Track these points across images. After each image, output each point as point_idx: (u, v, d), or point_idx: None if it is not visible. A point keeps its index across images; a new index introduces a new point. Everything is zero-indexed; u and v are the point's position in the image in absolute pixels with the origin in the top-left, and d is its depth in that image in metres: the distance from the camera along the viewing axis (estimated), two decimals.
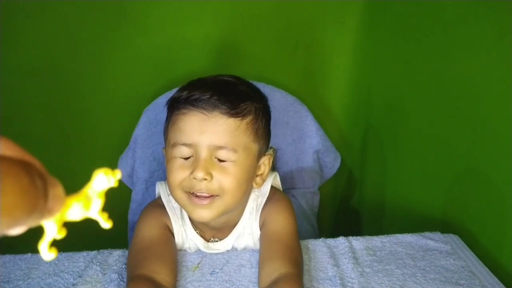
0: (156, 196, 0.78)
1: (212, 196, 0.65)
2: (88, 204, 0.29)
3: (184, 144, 0.65)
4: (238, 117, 0.66)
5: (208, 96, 0.64)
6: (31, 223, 0.24)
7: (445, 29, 0.86)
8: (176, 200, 0.69)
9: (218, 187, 0.65)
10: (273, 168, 1.03)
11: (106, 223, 0.29)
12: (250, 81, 1.06)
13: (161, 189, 0.76)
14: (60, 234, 0.27)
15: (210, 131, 0.64)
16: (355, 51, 1.19)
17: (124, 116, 1.12)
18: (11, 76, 1.09)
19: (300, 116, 1.05)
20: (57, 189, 0.26)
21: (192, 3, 1.07)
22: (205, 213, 0.66)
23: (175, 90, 0.73)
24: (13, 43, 1.06)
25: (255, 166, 0.70)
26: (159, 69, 1.10)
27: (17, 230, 0.24)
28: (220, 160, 0.65)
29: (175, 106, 0.67)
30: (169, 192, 0.74)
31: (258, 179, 0.72)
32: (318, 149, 1.05)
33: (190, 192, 0.66)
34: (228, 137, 0.65)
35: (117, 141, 1.08)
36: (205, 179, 0.64)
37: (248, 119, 0.67)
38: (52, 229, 0.28)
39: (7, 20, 1.03)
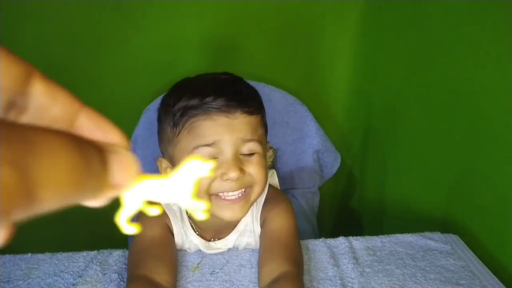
0: None
1: (244, 190, 0.65)
2: (175, 186, 0.23)
3: (208, 145, 0.63)
4: (256, 114, 0.68)
5: (226, 98, 0.64)
6: (93, 199, 0.20)
7: (445, 29, 0.86)
8: None
9: (250, 179, 0.65)
10: (273, 168, 1.03)
11: (201, 212, 0.24)
12: (250, 81, 1.07)
13: None
14: (141, 208, 0.23)
15: (235, 129, 0.64)
16: (355, 51, 1.19)
17: (124, 116, 1.12)
18: None
19: (300, 116, 1.05)
20: (124, 159, 0.21)
21: (192, 3, 1.07)
22: (238, 212, 0.66)
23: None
24: (13, 43, 1.06)
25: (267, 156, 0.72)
26: (159, 69, 1.10)
27: (90, 203, 0.21)
28: (245, 155, 0.65)
29: (188, 114, 0.65)
30: None
31: None
32: (318, 149, 1.05)
33: (215, 194, 0.65)
34: (251, 131, 0.66)
35: None
36: (238, 178, 0.63)
37: (261, 113, 0.70)
38: (132, 202, 0.24)
39: (7, 20, 1.03)
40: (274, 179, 0.80)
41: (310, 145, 1.05)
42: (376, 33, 1.14)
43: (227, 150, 0.63)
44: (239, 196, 0.65)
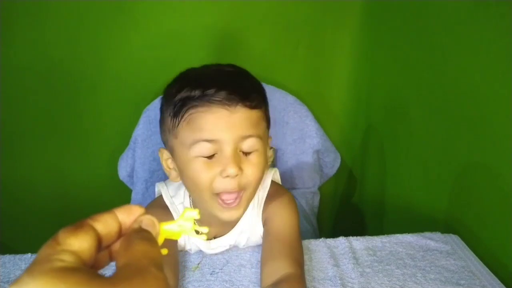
0: (156, 196, 0.78)
1: (239, 192, 0.65)
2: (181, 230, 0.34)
3: (207, 141, 0.62)
4: (258, 108, 0.66)
5: (227, 91, 0.63)
6: None
7: (445, 29, 0.86)
8: (204, 203, 0.67)
9: (246, 182, 0.65)
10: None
11: (204, 234, 0.36)
12: None
13: (162, 190, 0.75)
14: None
15: (234, 125, 0.63)
16: (355, 51, 1.19)
17: (124, 116, 1.12)
18: (11, 76, 1.09)
19: (300, 116, 1.05)
20: (150, 222, 0.31)
21: (193, 3, 1.07)
22: (235, 213, 0.66)
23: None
24: (13, 43, 1.06)
25: (267, 150, 0.71)
26: (159, 69, 1.10)
27: None
28: (244, 153, 0.65)
29: (188, 104, 0.64)
30: (171, 194, 0.74)
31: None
32: (318, 149, 1.05)
33: (216, 194, 0.65)
34: (252, 127, 0.65)
35: (117, 141, 1.08)
36: (237, 175, 0.63)
37: (263, 107, 0.69)
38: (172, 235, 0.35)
39: (7, 20, 1.03)
40: (277, 176, 0.80)
41: (310, 145, 1.05)
42: (376, 33, 1.14)
43: (227, 147, 0.63)
44: (234, 200, 0.65)
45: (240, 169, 0.63)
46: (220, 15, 1.10)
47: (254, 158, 0.65)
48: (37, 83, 1.11)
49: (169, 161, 0.70)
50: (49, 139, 1.18)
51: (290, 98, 1.05)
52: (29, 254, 0.73)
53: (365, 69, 1.19)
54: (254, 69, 1.15)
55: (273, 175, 0.77)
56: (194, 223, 0.33)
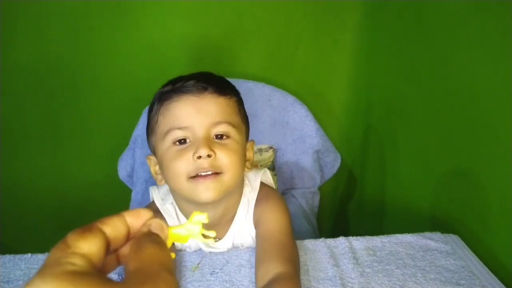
0: (151, 200, 0.78)
1: (216, 173, 0.66)
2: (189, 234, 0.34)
3: (180, 128, 0.66)
4: (227, 95, 0.69)
5: (195, 81, 0.67)
6: None
7: (445, 29, 0.86)
8: (181, 190, 0.68)
9: (221, 164, 0.66)
10: (273, 168, 1.03)
11: (212, 235, 0.35)
12: (250, 81, 1.07)
13: (154, 193, 0.76)
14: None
15: (204, 111, 0.66)
16: (355, 51, 1.19)
17: (124, 116, 1.12)
18: (11, 76, 1.09)
19: (300, 116, 1.05)
20: (158, 225, 0.31)
21: (193, 3, 1.07)
22: (210, 193, 0.66)
23: None
24: (13, 43, 1.06)
25: (245, 148, 0.72)
26: (159, 69, 1.10)
27: None
28: (218, 137, 0.67)
29: (163, 98, 0.69)
30: (162, 196, 0.75)
31: (247, 163, 0.73)
32: (318, 149, 1.05)
33: (194, 176, 0.65)
34: (223, 114, 0.67)
35: (117, 141, 1.08)
36: (209, 156, 0.64)
37: (234, 99, 0.71)
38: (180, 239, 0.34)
39: (7, 20, 1.03)
40: (267, 177, 0.80)
41: (310, 145, 1.05)
42: (376, 33, 1.14)
43: (198, 132, 0.65)
44: (211, 174, 0.65)
45: (212, 151, 0.64)
46: (221, 15, 1.10)
47: (228, 143, 0.67)
48: (37, 83, 1.11)
49: (157, 167, 0.72)
50: (49, 139, 1.18)
51: (290, 98, 1.05)
52: (29, 254, 0.73)
53: (365, 69, 1.19)
54: (254, 69, 1.15)
55: (262, 176, 0.77)
56: (202, 227, 0.34)
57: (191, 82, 0.67)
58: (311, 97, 1.16)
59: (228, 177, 0.66)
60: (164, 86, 0.71)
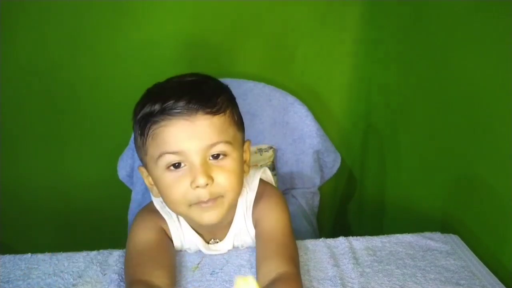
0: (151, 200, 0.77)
1: (214, 200, 0.64)
2: None
3: (173, 153, 0.62)
4: (221, 113, 0.64)
5: (186, 101, 0.62)
6: None
7: (445, 29, 0.86)
8: (181, 213, 0.67)
9: (221, 189, 0.64)
10: (273, 168, 1.03)
11: None
12: (250, 81, 1.07)
13: (153, 197, 0.74)
14: None
15: (198, 135, 0.62)
16: (355, 51, 1.19)
17: (124, 116, 1.12)
18: (11, 76, 1.09)
19: (300, 116, 1.05)
20: None
21: (193, 3, 1.07)
22: (213, 216, 0.65)
23: None
24: (13, 43, 1.06)
25: (243, 158, 0.70)
26: (159, 69, 1.10)
27: None
28: (215, 158, 0.64)
29: (150, 121, 0.63)
30: (161, 199, 0.74)
31: (244, 166, 0.71)
32: (318, 149, 1.05)
33: (195, 204, 0.64)
34: (218, 133, 0.63)
35: (117, 141, 1.08)
36: (207, 184, 0.62)
37: (228, 111, 0.66)
38: None
39: (7, 20, 1.03)
40: (266, 175, 0.79)
41: (310, 145, 1.05)
42: (376, 33, 1.14)
43: (194, 158, 0.62)
44: (212, 202, 0.64)
45: (210, 177, 0.62)
46: (221, 14, 1.10)
47: (226, 164, 0.64)
48: (37, 83, 1.11)
49: (150, 179, 0.69)
50: (49, 139, 1.18)
51: (290, 98, 1.05)
52: (29, 254, 0.73)
53: (365, 69, 1.19)
54: (254, 69, 1.15)
55: (262, 174, 0.76)
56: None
57: (181, 103, 0.61)
58: (311, 97, 1.16)
59: (229, 198, 0.66)
60: (144, 101, 0.66)
